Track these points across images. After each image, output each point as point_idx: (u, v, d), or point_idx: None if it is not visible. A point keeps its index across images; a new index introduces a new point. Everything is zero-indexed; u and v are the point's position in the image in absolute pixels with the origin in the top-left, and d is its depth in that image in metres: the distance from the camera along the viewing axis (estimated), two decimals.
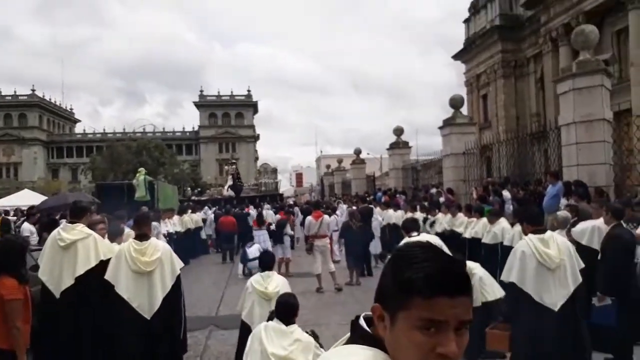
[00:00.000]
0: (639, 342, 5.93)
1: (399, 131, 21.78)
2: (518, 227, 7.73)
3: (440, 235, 11.18)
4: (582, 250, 6.29)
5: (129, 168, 43.36)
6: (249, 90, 76.11)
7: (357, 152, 28.71)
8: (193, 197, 27.79)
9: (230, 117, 74.37)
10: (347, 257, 11.06)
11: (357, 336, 1.23)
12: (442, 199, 14.79)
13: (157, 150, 49.78)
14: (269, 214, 16.31)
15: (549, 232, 5.01)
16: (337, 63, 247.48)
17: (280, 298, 4.15)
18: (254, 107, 76.02)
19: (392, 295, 1.14)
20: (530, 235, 4.89)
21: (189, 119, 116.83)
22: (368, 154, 38.96)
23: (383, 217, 14.38)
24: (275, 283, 5.87)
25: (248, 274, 12.09)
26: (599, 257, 5.70)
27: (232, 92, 75.21)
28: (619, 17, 23.68)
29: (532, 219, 5.06)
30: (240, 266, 12.35)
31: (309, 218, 10.49)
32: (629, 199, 8.23)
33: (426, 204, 13.62)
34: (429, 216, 12.29)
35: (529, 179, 14.12)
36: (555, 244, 4.81)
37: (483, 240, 9.15)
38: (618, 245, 5.42)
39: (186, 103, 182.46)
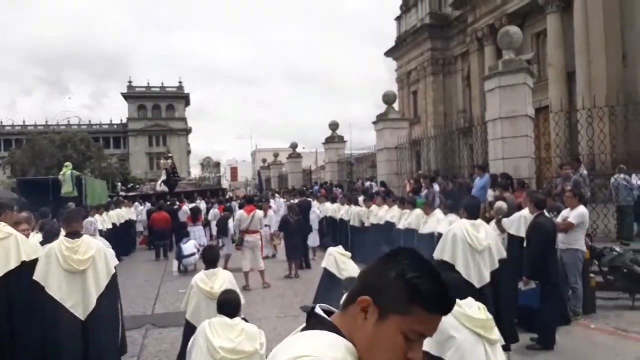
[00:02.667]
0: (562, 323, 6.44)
1: (334, 125, 22.04)
2: (450, 217, 8.14)
3: (376, 226, 11.49)
4: (512, 239, 6.74)
5: (52, 162, 40.97)
6: (180, 82, 74.23)
7: (294, 146, 28.78)
8: (121, 193, 26.66)
9: (160, 109, 72.11)
10: (286, 250, 11.08)
11: (316, 323, 1.23)
12: (374, 191, 15.18)
13: (83, 144, 47.36)
14: (213, 212, 15.82)
15: (479, 220, 5.38)
16: (274, 54, 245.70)
17: (221, 296, 4.11)
18: (185, 99, 74.13)
19: (393, 296, 1.16)
20: (464, 220, 5.30)
21: (116, 111, 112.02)
22: (304, 148, 39.08)
23: (320, 210, 14.54)
24: (221, 281, 5.75)
25: (183, 271, 11.84)
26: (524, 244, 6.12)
27: (162, 83, 73.08)
28: (538, 20, 25.17)
29: (472, 210, 5.42)
30: (175, 263, 12.07)
31: (240, 212, 10.34)
32: (549, 190, 8.82)
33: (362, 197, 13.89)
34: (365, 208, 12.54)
35: (456, 172, 14.78)
36: (484, 230, 5.21)
37: (420, 231, 9.48)
38: (540, 233, 5.82)
39: (113, 94, 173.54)
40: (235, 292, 4.26)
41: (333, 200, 15.11)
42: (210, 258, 5.88)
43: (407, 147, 16.08)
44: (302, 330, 1.25)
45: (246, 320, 4.07)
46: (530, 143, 10.61)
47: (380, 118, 16.53)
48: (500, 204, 6.92)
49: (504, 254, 5.42)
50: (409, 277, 1.16)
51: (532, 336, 5.99)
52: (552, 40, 23.60)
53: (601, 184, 12.42)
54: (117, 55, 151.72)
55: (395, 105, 18.09)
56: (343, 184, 20.38)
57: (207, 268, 5.85)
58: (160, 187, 25.44)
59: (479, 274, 5.14)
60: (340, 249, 7.85)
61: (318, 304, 1.31)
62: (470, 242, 5.15)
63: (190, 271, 11.38)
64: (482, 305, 3.94)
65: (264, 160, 37.99)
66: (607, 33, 20.54)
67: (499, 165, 10.71)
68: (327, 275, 7.20)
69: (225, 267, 11.47)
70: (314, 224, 13.24)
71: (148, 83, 72.82)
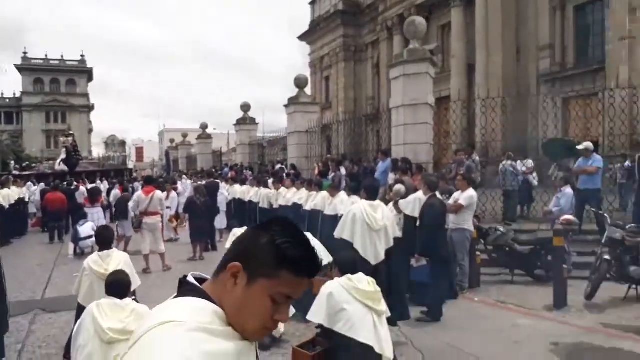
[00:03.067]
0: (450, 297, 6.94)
1: (246, 107, 21.76)
2: (353, 199, 8.45)
3: (284, 207, 11.60)
4: (407, 219, 7.11)
5: None
6: (82, 55, 69.32)
7: (204, 126, 28.04)
8: (14, 172, 24.61)
9: (59, 84, 66.88)
10: (191, 232, 10.87)
11: (187, 290, 1.26)
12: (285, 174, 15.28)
13: None
14: (114, 193, 15.01)
15: (377, 201, 5.65)
16: (192, 36, 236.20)
17: (110, 276, 3.98)
18: (88, 73, 69.36)
19: (262, 261, 1.19)
20: (363, 201, 5.54)
21: (8, 84, 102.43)
22: (215, 129, 38.24)
23: (229, 192, 14.39)
24: (116, 262, 5.55)
25: (80, 254, 11.23)
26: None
27: (62, 56, 67.71)
28: (444, 13, 26.46)
29: (371, 192, 5.67)
30: (72, 246, 11.42)
31: (139, 193, 9.98)
32: (443, 174, 9.37)
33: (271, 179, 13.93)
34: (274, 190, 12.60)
35: (363, 156, 15.28)
36: (381, 210, 5.48)
37: (325, 212, 9.72)
38: (432, 213, 6.22)
39: (7, 66, 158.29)
40: (124, 272, 4.13)
41: (242, 183, 15.01)
42: (104, 239, 5.65)
43: (318, 131, 16.31)
44: (174, 298, 1.27)
45: (137, 301, 3.99)
46: (429, 130, 11.20)
47: (292, 101, 16.59)
48: (399, 187, 7.28)
49: (399, 233, 5.74)
50: (278, 243, 1.20)
51: (422, 309, 6.41)
52: (455, 33, 24.93)
53: (493, 171, 13.43)
54: (11, 24, 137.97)
55: (308, 90, 18.25)
56: (254, 166, 20.27)
57: (101, 250, 5.63)
58: (60, 166, 23.82)
59: (375, 252, 5.41)
60: (243, 229, 7.92)
61: (191, 273, 1.33)
62: (368, 222, 5.39)
63: (87, 254, 10.81)
64: (371, 280, 4.17)
65: (171, 141, 36.72)
66: (504, 29, 22.07)
67: (400, 150, 11.20)
68: None
69: (125, 250, 11.09)
70: (222, 206, 13.10)
71: (46, 55, 67.21)
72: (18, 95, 66.33)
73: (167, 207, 12.02)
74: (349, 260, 4.22)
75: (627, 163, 11.45)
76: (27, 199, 15.80)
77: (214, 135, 31.25)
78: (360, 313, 3.82)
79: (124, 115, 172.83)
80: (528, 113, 18.73)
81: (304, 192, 11.32)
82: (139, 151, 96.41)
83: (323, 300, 3.94)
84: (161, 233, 10.36)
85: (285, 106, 16.85)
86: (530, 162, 11.43)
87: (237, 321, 1.21)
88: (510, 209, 10.89)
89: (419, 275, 6.43)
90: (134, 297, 4.01)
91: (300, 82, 16.60)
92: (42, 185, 16.93)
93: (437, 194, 6.71)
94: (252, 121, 22.13)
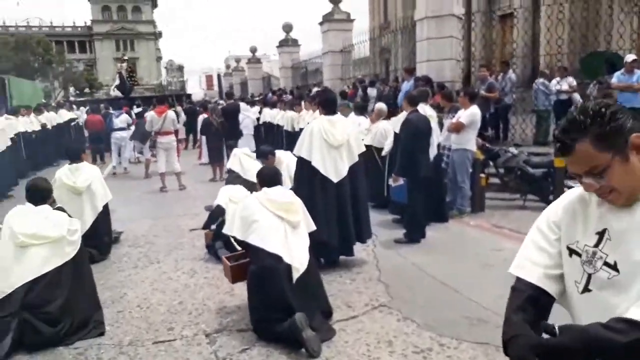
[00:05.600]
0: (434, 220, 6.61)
1: (287, 27, 21.12)
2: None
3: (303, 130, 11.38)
4: (397, 138, 6.71)
5: (8, 66, 39.16)
6: None
7: (253, 50, 27.75)
8: (71, 98, 25.90)
9: (126, 11, 68.29)
10: (209, 153, 11.00)
11: None
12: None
13: (40, 46, 45.16)
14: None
15: (337, 115, 5.31)
16: None
17: (29, 182, 4.03)
18: (152, 0, 70.08)
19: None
20: (322, 117, 5.24)
21: (80, 13, 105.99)
22: (265, 54, 37.81)
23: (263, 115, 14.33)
24: (85, 176, 5.70)
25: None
26: None
27: None
28: None
29: (328, 106, 5.33)
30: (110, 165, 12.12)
31: (151, 114, 10.09)
32: (450, 91, 8.60)
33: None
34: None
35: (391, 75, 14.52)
36: (341, 125, 5.14)
37: None
38: (409, 130, 5.78)
39: None
40: (44, 179, 4.18)
41: (273, 106, 14.85)
42: (72, 153, 5.79)
43: (352, 50, 15.59)
44: None
45: (63, 210, 4.04)
46: (455, 45, 10.31)
47: (326, 19, 15.86)
48: (380, 105, 6.83)
49: (364, 148, 5.40)
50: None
51: (403, 232, 6.15)
52: None
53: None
54: None
55: (358, 7, 17.31)
56: (294, 90, 19.95)
57: (71, 163, 5.77)
58: (114, 92, 24.62)
59: (336, 169, 5.14)
60: (246, 150, 7.90)
61: None
62: (325, 138, 5.09)
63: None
64: (289, 192, 3.97)
65: (227, 67, 36.87)
66: None
67: (423, 67, 10.48)
68: (231, 175, 7.24)
69: (146, 173, 11.49)
70: (247, 129, 13.10)
71: None
72: (89, 24, 68.58)
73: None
74: (268, 174, 4.01)
75: None
76: (79, 122, 16.74)
77: (266, 59, 30.93)
78: (271, 223, 3.67)
79: (196, 43, 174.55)
80: (600, 27, 16.78)
81: (318, 113, 11.04)
82: (209, 79, 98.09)
83: (237, 213, 3.82)
84: (176, 152, 10.55)
85: (320, 24, 16.14)
86: (571, 79, 10.28)
87: None
88: (542, 131, 10.01)
89: (397, 195, 6.12)
90: (58, 206, 4.06)
91: None
92: (88, 108, 17.64)
93: (418, 109, 6.17)
94: (295, 43, 21.52)
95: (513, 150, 7.77)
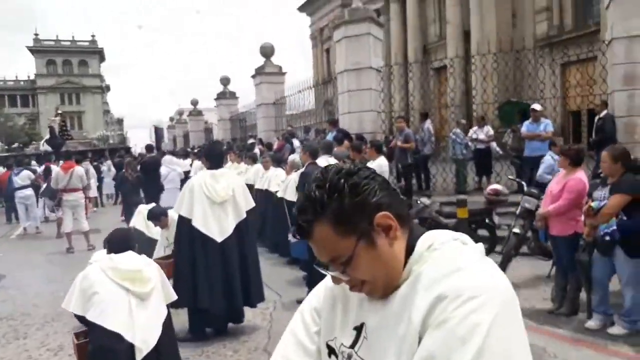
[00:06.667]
0: None
1: (225, 80, 21.13)
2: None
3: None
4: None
5: None
6: (93, 35, 69.59)
7: (194, 103, 27.53)
8: None
9: (72, 65, 67.28)
10: (124, 209, 10.45)
11: None
12: (256, 150, 14.68)
13: None
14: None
15: (222, 170, 5.03)
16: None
17: None
18: (99, 54, 69.55)
19: None
20: (205, 171, 4.97)
21: (25, 66, 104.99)
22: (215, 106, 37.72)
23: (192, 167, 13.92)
24: None
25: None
26: None
27: (73, 37, 67.91)
28: None
29: (213, 160, 5.06)
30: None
31: (57, 170, 9.57)
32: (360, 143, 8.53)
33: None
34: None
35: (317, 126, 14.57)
36: (225, 180, 4.84)
37: (256, 186, 9.18)
38: (305, 183, 5.55)
39: (20, 48, 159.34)
40: None
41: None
42: None
43: (284, 103, 15.59)
44: None
45: None
46: (375, 97, 10.39)
47: (258, 72, 15.90)
48: (294, 157, 6.66)
49: (253, 204, 5.09)
50: None
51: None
52: None
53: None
54: (23, 5, 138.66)
55: (308, 63, 17.62)
56: (231, 142, 19.72)
57: None
58: (43, 146, 23.70)
59: (220, 227, 4.79)
60: (150, 206, 7.46)
61: None
62: (207, 194, 4.76)
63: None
64: (140, 257, 3.57)
65: (171, 119, 36.50)
66: None
67: (345, 119, 10.47)
68: (137, 233, 6.76)
69: (58, 232, 10.77)
70: (173, 183, 12.64)
71: (57, 37, 67.50)
72: (32, 77, 67.05)
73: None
74: (117, 237, 3.62)
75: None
76: None
77: (206, 110, 30.74)
78: (113, 296, 3.25)
79: (145, 96, 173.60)
80: (526, 80, 17.58)
81: (243, 166, 10.83)
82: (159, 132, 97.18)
83: (76, 284, 3.38)
84: (84, 210, 9.95)
85: (252, 77, 16.16)
86: (487, 129, 10.48)
87: None
88: (461, 180, 10.06)
89: (297, 251, 5.82)
90: None
91: (266, 51, 15.85)
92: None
93: (328, 160, 5.99)
94: (232, 95, 21.48)
95: (425, 200, 7.66)
